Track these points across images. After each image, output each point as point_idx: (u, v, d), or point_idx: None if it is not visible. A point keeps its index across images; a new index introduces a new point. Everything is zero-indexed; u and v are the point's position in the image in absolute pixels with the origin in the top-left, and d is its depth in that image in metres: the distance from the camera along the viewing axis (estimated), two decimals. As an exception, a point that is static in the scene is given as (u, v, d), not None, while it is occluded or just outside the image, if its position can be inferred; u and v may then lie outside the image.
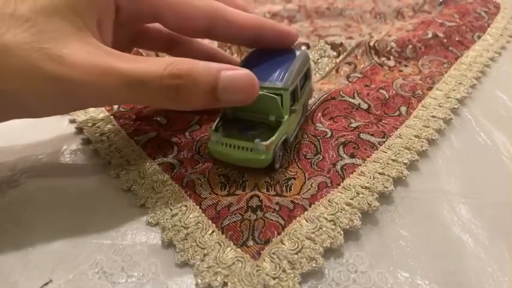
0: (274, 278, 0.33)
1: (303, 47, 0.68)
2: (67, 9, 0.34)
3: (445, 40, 0.72)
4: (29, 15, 0.33)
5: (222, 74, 0.35)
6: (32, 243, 0.38)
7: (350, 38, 0.75)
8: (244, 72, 0.36)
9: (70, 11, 0.35)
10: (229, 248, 0.36)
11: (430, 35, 0.72)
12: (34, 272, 0.35)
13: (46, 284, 0.34)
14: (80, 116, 0.55)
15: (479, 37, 0.75)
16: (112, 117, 0.54)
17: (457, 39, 0.73)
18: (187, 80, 0.34)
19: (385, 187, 0.42)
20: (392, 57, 0.68)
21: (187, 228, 0.38)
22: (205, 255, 0.36)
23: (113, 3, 0.40)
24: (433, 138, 0.50)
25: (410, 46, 0.69)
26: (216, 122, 0.44)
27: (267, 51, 0.50)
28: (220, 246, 0.36)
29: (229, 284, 0.33)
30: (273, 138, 0.42)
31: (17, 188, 0.44)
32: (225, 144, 0.43)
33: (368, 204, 0.40)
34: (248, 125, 0.45)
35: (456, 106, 0.56)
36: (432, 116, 0.53)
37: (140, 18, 0.45)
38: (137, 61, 0.34)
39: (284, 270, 0.34)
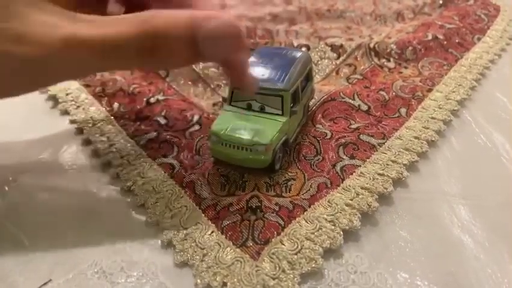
0: (273, 278, 0.33)
1: (304, 49, 0.68)
2: None
3: (445, 42, 0.72)
4: None
5: (202, 25, 0.31)
6: (32, 243, 0.38)
7: (350, 39, 0.75)
8: (226, 20, 0.32)
9: None
10: (228, 248, 0.36)
11: (430, 37, 0.72)
12: (33, 271, 0.35)
13: (45, 283, 0.34)
14: (80, 115, 0.55)
15: (479, 39, 0.75)
16: (112, 117, 0.54)
17: (456, 41, 0.73)
18: (163, 38, 0.30)
19: (385, 188, 0.42)
20: (392, 59, 0.68)
21: (187, 228, 0.38)
22: (204, 255, 0.36)
23: None
24: (433, 139, 0.50)
25: (410, 48, 0.69)
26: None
27: (269, 52, 0.51)
28: (220, 246, 0.36)
29: (228, 284, 0.33)
30: (273, 139, 0.42)
31: (17, 188, 0.44)
32: (225, 144, 0.43)
33: (368, 205, 0.40)
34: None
35: (456, 108, 0.56)
36: (432, 118, 0.53)
37: None
38: (105, 24, 0.30)
39: (284, 271, 0.34)
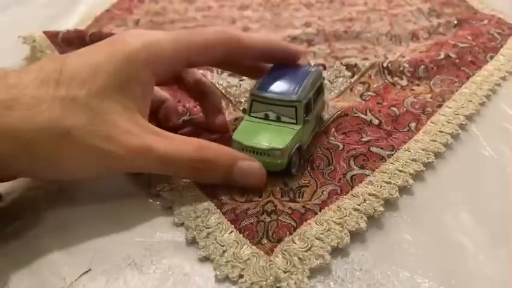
0: (285, 272, 0.37)
1: (320, 67, 0.73)
2: (116, 92, 0.39)
3: (457, 60, 0.75)
4: (87, 100, 0.37)
5: (238, 164, 0.44)
6: (75, 238, 0.43)
7: (365, 59, 0.79)
8: (255, 164, 0.45)
9: (118, 93, 0.39)
10: (245, 246, 0.40)
11: (443, 56, 0.76)
12: (76, 262, 0.40)
13: (86, 272, 0.39)
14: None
15: (491, 57, 0.78)
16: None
17: (469, 59, 0.76)
18: (210, 165, 0.43)
19: (391, 194, 0.45)
20: (404, 77, 0.71)
21: (209, 228, 0.43)
22: (224, 251, 0.40)
23: (153, 76, 0.44)
24: (439, 151, 0.53)
25: (423, 66, 0.73)
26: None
27: (284, 67, 0.56)
28: (238, 244, 0.41)
29: (244, 276, 0.37)
30: (288, 143, 0.47)
31: (59, 189, 0.50)
32: (245, 150, 0.48)
33: (374, 209, 0.43)
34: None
35: (464, 122, 0.59)
36: (440, 131, 0.56)
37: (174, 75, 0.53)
38: (171, 141, 0.42)
39: (294, 265, 0.38)
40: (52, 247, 0.42)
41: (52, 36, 0.87)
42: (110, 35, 0.86)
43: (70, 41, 0.86)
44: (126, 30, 0.97)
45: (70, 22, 1.09)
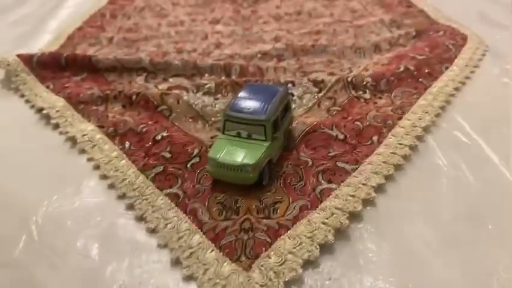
0: (262, 286, 0.41)
1: (289, 85, 0.77)
2: None
3: (416, 72, 0.81)
4: None
5: None
6: (65, 264, 0.46)
7: (332, 74, 0.84)
8: None
9: None
10: (225, 263, 0.44)
11: (402, 68, 0.81)
12: (66, 285, 0.43)
13: (78, 297, 0.42)
14: (96, 154, 0.63)
15: (446, 68, 0.84)
16: (124, 154, 0.63)
17: (426, 71, 0.82)
18: None
19: (355, 207, 0.50)
20: (367, 91, 0.76)
21: (191, 248, 0.46)
22: (206, 269, 0.44)
23: None
24: (399, 163, 0.58)
25: (384, 80, 0.78)
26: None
27: (254, 88, 0.62)
28: (218, 262, 0.45)
29: (226, 292, 0.41)
30: (258, 159, 0.52)
31: (47, 218, 0.52)
32: (220, 166, 0.53)
33: (340, 222, 0.48)
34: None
35: (421, 134, 0.64)
36: (400, 144, 0.62)
37: None
38: None
39: (270, 279, 0.42)
40: (43, 276, 0.45)
41: (26, 59, 0.88)
42: (85, 57, 0.88)
43: (45, 64, 0.88)
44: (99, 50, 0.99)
45: (42, 40, 1.09)
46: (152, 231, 0.50)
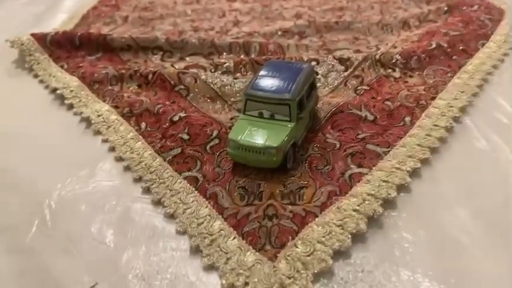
0: (289, 278, 0.38)
1: (313, 63, 0.73)
2: None
3: (449, 49, 0.76)
4: None
5: None
6: (78, 250, 0.44)
7: (358, 51, 0.79)
8: None
9: None
10: (249, 252, 0.41)
11: (434, 45, 0.76)
12: (82, 276, 0.41)
13: (93, 286, 0.40)
14: (112, 135, 0.60)
15: (483, 45, 0.78)
16: (140, 136, 0.60)
17: (460, 47, 0.77)
18: None
19: (389, 194, 0.46)
20: (397, 69, 0.71)
21: (212, 235, 0.43)
22: (228, 258, 0.41)
23: None
24: (435, 146, 0.54)
25: (415, 57, 0.73)
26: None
27: (277, 65, 0.58)
28: (241, 250, 0.41)
29: (250, 283, 0.38)
30: (282, 141, 0.49)
31: (62, 202, 0.50)
32: (242, 148, 0.49)
33: (373, 210, 0.44)
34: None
35: (457, 114, 0.59)
36: (435, 125, 0.57)
37: None
38: None
39: (298, 271, 0.39)
40: (56, 260, 0.43)
41: (40, 38, 0.85)
42: (99, 36, 0.85)
43: (59, 43, 0.85)
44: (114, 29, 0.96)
45: (57, 20, 1.07)
46: (171, 216, 0.47)
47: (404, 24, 0.91)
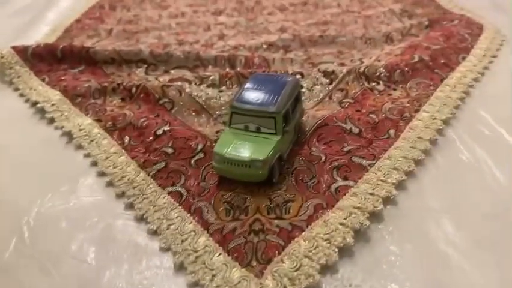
0: (276, 294, 0.37)
1: (298, 76, 0.73)
2: None
3: (431, 63, 0.77)
4: None
5: None
6: (57, 270, 0.42)
7: (342, 64, 0.80)
8: None
9: None
10: (235, 269, 0.40)
11: (417, 59, 0.77)
12: (61, 296, 0.39)
13: (73, 307, 0.38)
14: (94, 149, 0.59)
15: (463, 58, 0.80)
16: (123, 150, 0.59)
17: (442, 61, 0.78)
18: None
19: (375, 207, 0.46)
20: (381, 82, 0.72)
21: (197, 251, 0.42)
22: (213, 275, 0.40)
23: None
24: (420, 158, 0.54)
25: (398, 70, 0.74)
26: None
27: (262, 78, 0.58)
28: (227, 267, 0.40)
29: (236, 301, 0.37)
30: (269, 155, 0.48)
31: (41, 219, 0.48)
32: (227, 162, 0.49)
33: (360, 223, 0.44)
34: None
35: (441, 127, 0.60)
36: (419, 138, 0.57)
37: None
38: None
39: (285, 287, 0.38)
40: (33, 281, 0.41)
41: (21, 51, 0.84)
42: (82, 49, 0.84)
43: (40, 56, 0.83)
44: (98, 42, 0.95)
45: (39, 33, 1.05)
46: (154, 233, 0.46)
47: (387, 38, 0.92)
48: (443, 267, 0.41)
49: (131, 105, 0.70)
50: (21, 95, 0.75)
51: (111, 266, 0.42)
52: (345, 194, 0.48)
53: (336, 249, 0.41)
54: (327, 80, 0.73)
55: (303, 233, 0.43)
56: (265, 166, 0.48)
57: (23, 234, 0.47)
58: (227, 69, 0.80)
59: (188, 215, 0.47)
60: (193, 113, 0.67)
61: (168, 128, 0.62)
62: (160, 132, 0.61)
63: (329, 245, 0.42)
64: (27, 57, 0.83)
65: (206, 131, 0.63)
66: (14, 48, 0.85)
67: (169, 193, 0.50)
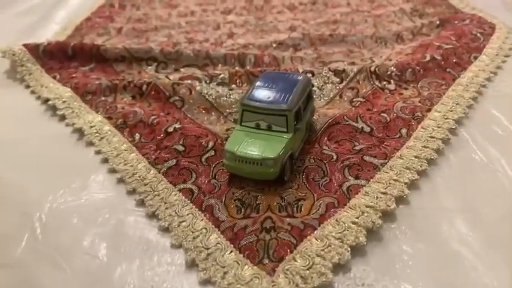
0: (288, 292, 0.37)
1: (308, 75, 0.73)
2: None
3: (443, 62, 0.76)
4: None
5: None
6: (69, 265, 0.42)
7: (352, 63, 0.80)
8: None
9: None
10: (246, 266, 0.40)
11: (428, 58, 0.76)
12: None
13: (85, 302, 0.38)
14: (105, 146, 0.59)
15: (475, 58, 0.79)
16: (134, 147, 0.59)
17: (454, 60, 0.77)
18: None
19: (388, 206, 0.46)
20: (392, 81, 0.72)
21: (208, 249, 0.42)
22: (225, 273, 0.40)
23: None
24: (432, 158, 0.53)
25: (410, 69, 0.73)
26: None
27: (273, 76, 0.57)
28: (239, 264, 0.40)
29: (248, 298, 0.37)
30: (280, 153, 0.48)
31: (53, 215, 0.49)
32: (238, 160, 0.48)
33: (372, 222, 0.44)
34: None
35: (453, 126, 0.59)
36: (431, 137, 0.57)
37: None
38: None
39: (297, 285, 0.38)
40: (45, 276, 0.41)
41: (33, 49, 0.84)
42: (93, 47, 0.84)
43: (52, 54, 0.84)
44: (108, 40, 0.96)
45: (50, 31, 1.06)
46: (165, 229, 0.46)
47: (397, 38, 0.92)
48: (456, 267, 0.41)
49: (141, 102, 0.70)
50: (33, 92, 0.76)
51: (122, 262, 0.42)
52: (357, 193, 0.48)
53: (349, 248, 0.41)
54: (338, 79, 0.73)
55: (315, 232, 0.43)
56: (276, 164, 0.48)
57: (35, 230, 0.47)
58: (237, 68, 0.79)
59: (200, 212, 0.47)
60: (203, 111, 0.67)
61: (179, 126, 0.62)
62: (170, 129, 0.61)
63: (341, 243, 0.41)
64: (39, 55, 0.84)
65: (216, 129, 0.62)
66: (25, 46, 0.85)
67: (180, 190, 0.50)
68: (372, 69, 0.73)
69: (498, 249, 0.42)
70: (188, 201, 0.48)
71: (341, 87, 0.71)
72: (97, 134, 0.62)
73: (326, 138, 0.58)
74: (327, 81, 0.73)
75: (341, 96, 0.70)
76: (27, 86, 0.78)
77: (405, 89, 0.71)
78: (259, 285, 0.38)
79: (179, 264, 0.42)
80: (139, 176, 0.53)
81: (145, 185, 0.52)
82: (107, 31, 1.05)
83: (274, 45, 0.90)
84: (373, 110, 0.64)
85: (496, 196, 0.49)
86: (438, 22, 0.95)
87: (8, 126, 0.67)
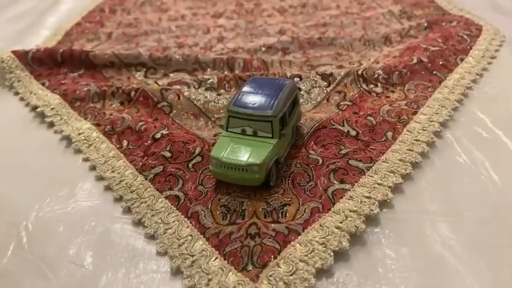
0: (271, 298, 0.37)
1: (296, 79, 0.73)
2: None
3: (429, 65, 0.77)
4: None
5: None
6: (55, 274, 0.42)
7: (341, 66, 0.80)
8: None
9: None
10: (231, 273, 0.40)
11: (415, 60, 0.77)
12: (59, 301, 0.40)
13: (70, 311, 0.38)
14: (92, 153, 0.59)
15: (462, 60, 0.80)
16: (121, 154, 0.59)
17: (440, 63, 0.78)
18: None
19: (371, 210, 0.46)
20: (379, 84, 0.72)
21: (193, 256, 0.43)
22: (209, 280, 0.40)
23: None
24: (417, 161, 0.54)
25: (397, 72, 0.74)
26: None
27: (259, 81, 0.58)
28: (223, 271, 0.41)
29: (231, 305, 0.37)
30: (265, 158, 0.48)
31: (39, 223, 0.49)
32: (224, 166, 0.49)
33: (356, 227, 0.44)
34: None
35: (438, 129, 0.60)
36: (416, 140, 0.57)
37: None
38: None
39: (280, 291, 0.38)
40: (31, 283, 0.41)
41: (22, 55, 0.84)
42: (82, 53, 0.85)
43: (41, 60, 0.84)
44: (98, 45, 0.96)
45: (40, 36, 1.06)
46: (151, 237, 0.46)
47: (386, 40, 0.92)
48: (439, 271, 0.41)
49: (130, 109, 0.70)
50: (22, 99, 0.76)
51: (108, 271, 0.43)
52: (341, 198, 0.48)
53: (332, 253, 0.41)
54: (325, 83, 0.73)
55: (299, 237, 0.43)
56: (261, 170, 0.48)
57: (22, 238, 0.47)
58: (225, 72, 0.80)
59: (186, 219, 0.47)
60: (192, 117, 0.68)
61: (166, 132, 0.62)
62: (158, 136, 0.61)
63: (324, 248, 0.42)
64: (28, 61, 0.84)
65: (204, 135, 0.63)
66: (14, 52, 0.85)
67: (167, 197, 0.51)
68: (360, 72, 0.74)
69: (481, 252, 0.43)
70: (175, 208, 0.49)
71: (328, 90, 0.72)
72: (85, 141, 0.62)
73: (312, 142, 0.59)
74: (314, 85, 0.73)
75: (328, 100, 0.70)
76: (16, 93, 0.78)
77: (392, 92, 0.71)
78: (243, 292, 0.38)
79: (164, 272, 0.42)
80: (126, 183, 0.53)
81: (131, 192, 0.52)
82: (97, 36, 1.05)
83: (263, 49, 0.90)
84: (360, 113, 0.65)
85: (480, 198, 0.49)
86: (426, 24, 0.95)
87: (-4, 134, 0.67)
